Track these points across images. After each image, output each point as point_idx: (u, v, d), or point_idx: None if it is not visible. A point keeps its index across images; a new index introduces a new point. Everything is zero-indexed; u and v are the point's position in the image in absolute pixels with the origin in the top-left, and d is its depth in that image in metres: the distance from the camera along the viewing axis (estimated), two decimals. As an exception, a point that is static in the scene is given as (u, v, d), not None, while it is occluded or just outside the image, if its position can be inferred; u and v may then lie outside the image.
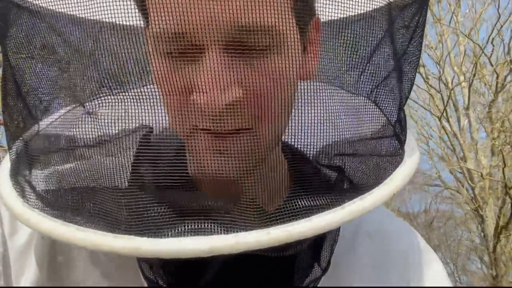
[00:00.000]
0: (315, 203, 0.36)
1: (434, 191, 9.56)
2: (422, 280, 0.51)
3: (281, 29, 0.35)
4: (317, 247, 0.44)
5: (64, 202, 0.38)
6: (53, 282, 0.46)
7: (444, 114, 7.38)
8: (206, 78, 0.34)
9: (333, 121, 0.39)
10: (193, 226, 0.33)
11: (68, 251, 0.47)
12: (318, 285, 0.44)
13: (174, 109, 0.37)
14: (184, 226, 0.33)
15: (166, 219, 0.34)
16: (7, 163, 0.44)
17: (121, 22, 0.34)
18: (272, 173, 0.40)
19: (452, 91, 7.50)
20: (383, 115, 0.43)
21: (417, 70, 0.46)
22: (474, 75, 7.17)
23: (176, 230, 0.33)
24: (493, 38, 6.90)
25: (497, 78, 6.86)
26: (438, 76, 8.02)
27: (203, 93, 0.34)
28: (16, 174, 0.42)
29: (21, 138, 0.42)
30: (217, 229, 0.33)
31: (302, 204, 0.36)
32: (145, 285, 0.43)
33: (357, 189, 0.39)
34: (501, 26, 6.99)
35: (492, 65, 7.04)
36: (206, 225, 0.33)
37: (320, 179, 0.41)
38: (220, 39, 0.34)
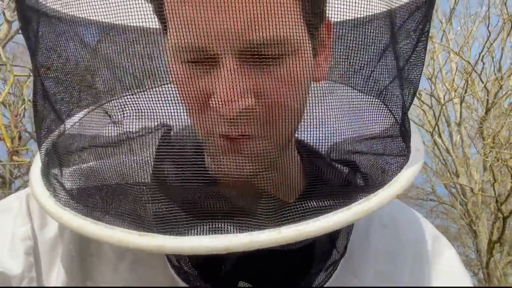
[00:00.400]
0: (323, 203, 0.38)
1: (428, 205, 9.60)
2: (436, 266, 0.53)
3: (293, 39, 0.37)
4: (334, 236, 0.46)
5: (93, 200, 0.41)
6: (84, 272, 0.48)
7: (436, 129, 7.47)
8: (221, 86, 0.37)
9: (342, 118, 0.41)
10: (211, 226, 0.36)
11: (97, 245, 0.49)
12: (335, 277, 0.46)
13: (193, 114, 0.39)
14: (203, 225, 0.36)
15: (188, 219, 0.37)
16: (38, 163, 0.47)
17: (142, 25, 0.37)
18: (287, 171, 0.42)
19: (444, 107, 7.60)
20: (390, 114, 0.45)
21: (421, 75, 0.47)
22: (466, 91, 7.29)
23: (196, 230, 0.36)
24: (483, 56, 7.04)
25: (487, 94, 6.97)
26: (430, 92, 8.15)
27: (219, 100, 0.37)
28: (47, 173, 0.45)
29: (50, 139, 0.45)
30: (233, 229, 0.36)
31: (311, 205, 0.38)
32: (172, 272, 0.46)
33: (364, 189, 0.41)
34: (491, 44, 7.14)
35: (482, 82, 7.17)
36: (223, 225, 0.36)
37: (332, 175, 0.43)
38: (234, 49, 0.36)
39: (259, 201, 0.38)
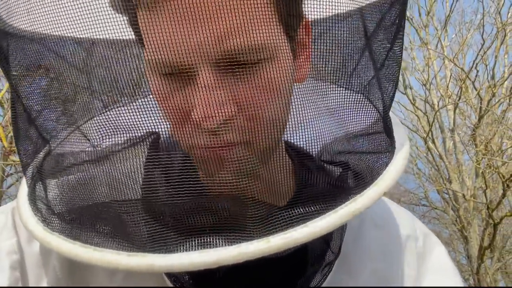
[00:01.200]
0: (311, 208, 0.38)
1: (421, 210, 9.64)
2: (427, 262, 0.53)
3: (270, 43, 0.36)
4: (327, 237, 0.46)
5: (80, 222, 0.41)
6: (76, 284, 0.47)
7: (430, 135, 7.52)
8: (200, 100, 0.36)
9: (328, 117, 0.40)
10: (200, 241, 0.36)
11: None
12: (331, 277, 0.46)
13: (174, 127, 0.39)
14: (192, 241, 0.36)
15: (176, 236, 0.37)
16: (24, 188, 0.46)
17: (117, 38, 0.36)
18: (276, 175, 0.41)
19: (438, 113, 7.65)
20: (373, 110, 0.44)
21: (399, 71, 0.47)
22: (459, 98, 7.34)
23: (185, 246, 0.36)
24: (477, 63, 7.11)
25: (480, 102, 7.03)
26: (424, 98, 8.20)
27: (199, 114, 0.36)
28: (33, 198, 0.44)
29: (33, 162, 0.44)
30: (221, 242, 0.36)
31: (298, 211, 0.38)
32: (167, 282, 0.45)
33: (351, 189, 0.40)
34: (485, 52, 7.21)
35: (476, 89, 7.23)
36: (211, 239, 0.36)
37: (321, 177, 0.42)
38: (210, 60, 0.35)
39: (246, 211, 0.38)
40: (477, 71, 7.30)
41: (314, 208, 0.38)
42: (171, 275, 0.45)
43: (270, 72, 0.37)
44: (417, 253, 0.54)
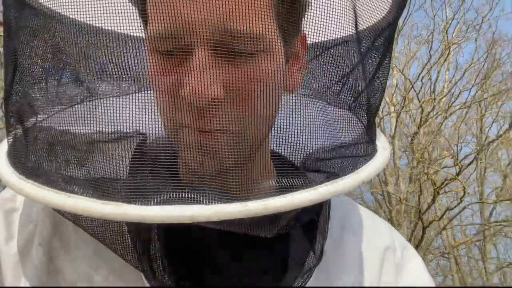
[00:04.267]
0: (291, 183, 0.38)
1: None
2: (404, 274, 0.54)
3: (266, 37, 0.38)
4: (309, 237, 0.46)
5: (56, 171, 0.40)
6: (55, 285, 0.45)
7: (373, 139, 7.84)
8: (192, 74, 0.37)
9: (315, 130, 0.42)
10: (177, 195, 0.35)
11: (68, 254, 0.46)
12: (311, 285, 0.47)
13: (163, 106, 0.39)
14: (169, 194, 0.35)
15: (153, 187, 0.36)
16: (4, 146, 0.45)
17: (119, 26, 0.37)
18: (256, 172, 0.42)
19: (381, 120, 8.04)
20: (359, 123, 0.47)
21: (385, 87, 0.50)
22: (403, 107, 7.77)
23: (162, 198, 0.35)
24: (422, 76, 7.56)
25: (421, 112, 7.49)
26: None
27: (188, 88, 0.37)
28: (13, 153, 0.43)
29: (19, 126, 0.44)
30: (200, 199, 0.35)
31: (280, 183, 0.38)
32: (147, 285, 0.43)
33: (331, 177, 0.41)
34: (431, 67, 7.68)
35: (419, 100, 7.68)
36: (190, 195, 0.35)
37: (300, 170, 0.43)
38: (207, 41, 0.37)
39: (227, 177, 0.38)
40: (422, 83, 7.76)
41: (295, 183, 0.39)
42: (153, 278, 0.44)
43: (262, 64, 0.39)
44: (395, 264, 0.55)
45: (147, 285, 0.44)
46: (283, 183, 0.39)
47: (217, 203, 0.35)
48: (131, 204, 0.35)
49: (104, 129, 0.40)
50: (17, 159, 0.42)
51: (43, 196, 0.37)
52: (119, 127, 0.39)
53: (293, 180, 0.39)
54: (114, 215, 0.35)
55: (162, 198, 0.36)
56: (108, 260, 0.45)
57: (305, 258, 0.46)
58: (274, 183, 0.39)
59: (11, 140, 0.44)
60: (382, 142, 0.49)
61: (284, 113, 0.41)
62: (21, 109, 0.43)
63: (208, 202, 0.35)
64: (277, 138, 0.42)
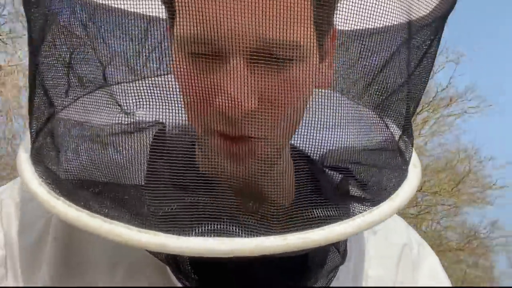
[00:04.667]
0: (328, 213, 0.39)
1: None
2: (420, 271, 0.56)
3: (304, 44, 0.37)
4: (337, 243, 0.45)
5: (88, 194, 0.38)
6: (69, 283, 0.44)
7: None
8: (230, 86, 0.36)
9: (341, 128, 0.41)
10: (214, 227, 0.35)
11: (85, 253, 0.45)
12: (334, 284, 0.47)
13: (192, 109, 0.38)
14: (207, 226, 0.35)
15: (190, 218, 0.36)
16: (26, 147, 0.43)
17: (145, 13, 0.36)
18: (283, 174, 0.42)
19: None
20: (393, 127, 0.45)
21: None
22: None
23: (200, 230, 0.35)
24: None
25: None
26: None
27: (225, 100, 0.36)
28: (37, 159, 0.41)
29: (41, 126, 0.42)
30: (238, 232, 0.35)
31: (316, 214, 0.38)
32: (172, 279, 0.43)
33: (364, 200, 0.41)
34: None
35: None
36: (228, 227, 0.35)
37: (326, 182, 0.43)
38: (244, 49, 0.36)
39: (263, 205, 0.38)
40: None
41: (331, 213, 0.39)
42: (179, 273, 0.43)
43: (298, 72, 0.37)
44: (412, 261, 0.56)
45: (172, 277, 0.43)
46: (318, 214, 0.38)
47: (256, 236, 0.35)
48: (169, 234, 0.35)
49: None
50: (42, 167, 0.41)
51: (76, 217, 0.36)
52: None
53: (328, 211, 0.39)
54: (153, 245, 0.34)
55: (200, 230, 0.35)
56: (127, 255, 0.44)
57: (330, 258, 0.46)
58: (311, 214, 0.38)
59: (37, 146, 0.42)
60: (412, 159, 0.47)
61: (311, 108, 0.40)
62: (46, 117, 0.42)
63: (246, 234, 0.35)
64: (300, 134, 0.41)
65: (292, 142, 0.42)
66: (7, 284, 0.44)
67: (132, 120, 0.39)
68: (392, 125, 0.45)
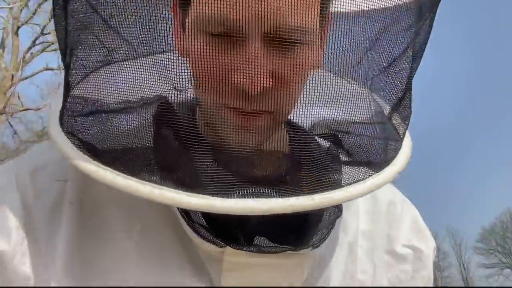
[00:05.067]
0: (344, 177, 0.45)
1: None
2: (404, 224, 0.62)
3: (313, 29, 0.42)
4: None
5: (130, 160, 0.41)
6: (88, 242, 0.47)
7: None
8: (249, 65, 0.40)
9: (351, 105, 0.46)
10: (253, 190, 0.41)
11: (102, 215, 0.47)
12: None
13: (206, 85, 0.41)
14: (247, 189, 0.40)
15: (234, 183, 0.41)
16: (55, 119, 0.45)
17: None
18: (279, 144, 0.47)
19: None
20: (384, 104, 0.50)
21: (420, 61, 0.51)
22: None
23: (241, 193, 0.40)
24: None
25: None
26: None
27: (244, 78, 0.40)
28: (73, 130, 0.43)
29: (78, 96, 0.44)
30: (272, 193, 0.41)
31: (335, 178, 0.45)
32: (186, 229, 0.46)
33: (368, 165, 0.47)
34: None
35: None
36: (262, 189, 0.41)
37: (342, 152, 0.48)
38: (262, 32, 0.40)
39: (295, 171, 0.44)
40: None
41: (347, 177, 0.45)
42: (193, 226, 0.46)
43: (305, 54, 0.42)
44: (397, 215, 0.63)
45: (185, 229, 0.46)
46: (337, 178, 0.45)
47: (288, 196, 0.41)
48: (215, 197, 0.39)
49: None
50: (80, 137, 0.43)
51: (126, 184, 0.39)
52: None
53: (344, 176, 0.45)
54: (202, 206, 0.39)
55: (241, 192, 0.40)
56: (142, 214, 0.48)
57: (329, 212, 0.51)
58: (332, 178, 0.44)
59: (81, 121, 0.44)
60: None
61: (309, 87, 0.44)
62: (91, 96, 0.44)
63: (280, 195, 0.41)
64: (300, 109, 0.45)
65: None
66: (27, 246, 0.45)
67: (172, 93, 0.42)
68: (389, 103, 0.51)
